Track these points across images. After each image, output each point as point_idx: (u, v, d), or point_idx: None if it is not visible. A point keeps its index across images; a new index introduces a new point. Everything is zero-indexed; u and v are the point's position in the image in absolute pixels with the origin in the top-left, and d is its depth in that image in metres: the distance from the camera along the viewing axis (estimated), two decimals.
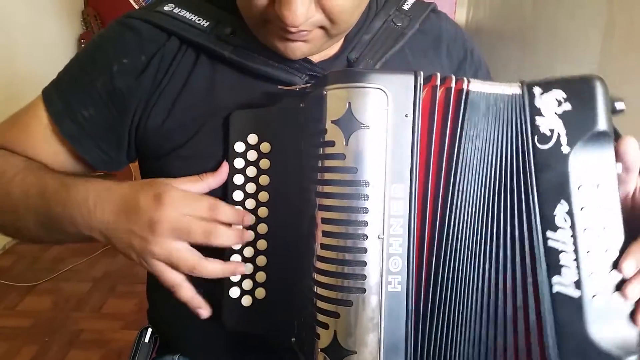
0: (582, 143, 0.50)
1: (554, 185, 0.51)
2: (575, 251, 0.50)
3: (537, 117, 0.51)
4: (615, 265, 0.50)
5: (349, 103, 0.50)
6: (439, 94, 0.52)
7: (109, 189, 0.58)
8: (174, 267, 0.56)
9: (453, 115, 0.52)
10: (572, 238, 0.50)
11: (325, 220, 0.51)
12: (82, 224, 0.58)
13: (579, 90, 0.51)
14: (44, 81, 0.69)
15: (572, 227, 0.50)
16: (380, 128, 0.50)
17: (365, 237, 0.49)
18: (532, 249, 0.51)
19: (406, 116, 0.50)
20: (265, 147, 0.60)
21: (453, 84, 0.52)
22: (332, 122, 0.50)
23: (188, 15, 0.65)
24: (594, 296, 0.50)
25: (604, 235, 0.50)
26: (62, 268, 2.35)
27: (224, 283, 0.59)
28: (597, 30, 1.42)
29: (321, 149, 0.51)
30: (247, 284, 0.60)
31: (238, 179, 0.60)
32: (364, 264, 0.49)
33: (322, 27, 0.58)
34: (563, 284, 0.50)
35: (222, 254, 0.59)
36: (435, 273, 0.51)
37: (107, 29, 0.68)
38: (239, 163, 0.60)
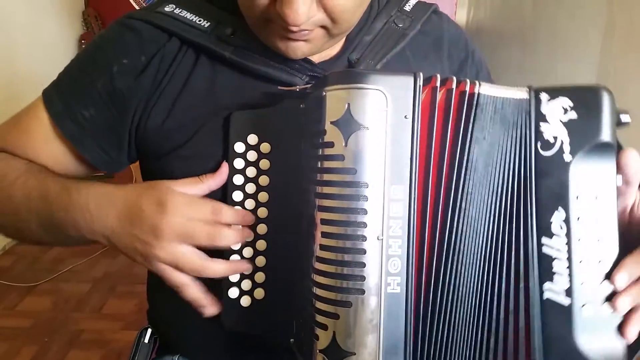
0: (584, 153, 0.50)
1: (553, 193, 0.51)
2: (569, 259, 0.50)
3: (542, 123, 0.51)
4: (608, 277, 0.50)
5: (348, 104, 0.50)
6: (439, 95, 0.52)
7: (110, 193, 0.58)
8: (180, 269, 0.56)
9: (456, 117, 0.52)
10: (567, 246, 0.50)
11: (324, 221, 0.51)
12: (85, 228, 0.59)
13: (585, 100, 0.51)
14: (44, 81, 0.69)
15: (568, 235, 0.50)
16: (380, 129, 0.50)
17: (364, 238, 0.49)
18: (526, 253, 0.51)
19: (405, 117, 0.50)
20: (265, 147, 0.60)
21: (454, 86, 0.52)
22: (331, 123, 0.50)
23: (189, 15, 0.65)
24: (583, 305, 0.50)
25: (598, 246, 0.51)
26: (62, 268, 2.35)
27: (223, 283, 0.59)
28: (597, 31, 1.42)
29: (320, 150, 0.51)
30: (246, 284, 0.60)
31: (238, 180, 0.60)
32: (363, 265, 0.49)
33: (323, 27, 0.58)
34: (554, 290, 0.51)
35: (221, 254, 0.59)
36: (436, 274, 0.51)
37: (108, 30, 0.68)
38: (238, 163, 0.60)
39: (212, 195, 0.60)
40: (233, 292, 0.59)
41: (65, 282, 2.27)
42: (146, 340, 0.74)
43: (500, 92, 0.53)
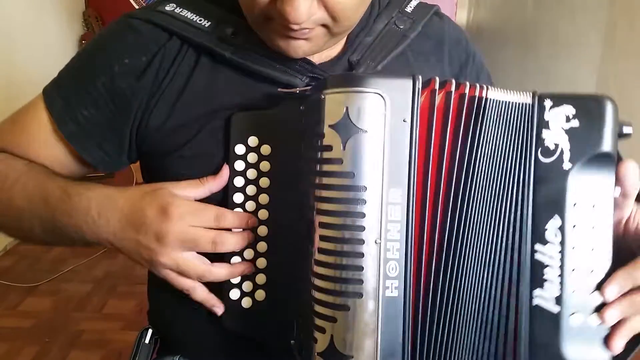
0: (584, 162, 0.50)
1: (550, 200, 0.51)
2: (561, 267, 0.51)
3: (543, 130, 0.51)
4: (599, 287, 0.51)
5: (346, 107, 0.50)
6: (438, 98, 0.52)
7: (111, 197, 0.59)
8: (183, 275, 0.57)
9: (456, 120, 0.52)
10: (560, 254, 0.51)
11: (322, 225, 0.51)
12: (87, 232, 0.59)
13: (588, 109, 0.51)
14: (44, 82, 0.69)
15: (562, 243, 0.51)
16: (378, 133, 0.50)
17: (362, 241, 0.49)
18: (519, 259, 0.51)
19: (404, 121, 0.50)
20: (265, 149, 0.60)
21: (453, 88, 0.52)
22: (330, 126, 0.50)
23: (189, 15, 0.64)
24: (572, 314, 0.50)
25: (592, 255, 0.51)
26: (63, 269, 2.35)
27: (224, 285, 0.60)
28: (597, 33, 1.42)
29: (319, 153, 0.51)
30: (247, 286, 0.60)
31: (238, 181, 0.60)
32: (361, 268, 0.49)
33: (324, 25, 0.57)
34: (544, 297, 0.51)
35: (222, 255, 0.59)
36: (435, 278, 0.51)
37: (108, 29, 0.68)
38: (239, 165, 0.60)
39: (213, 197, 0.60)
40: (234, 294, 0.60)
41: (66, 283, 2.27)
42: (147, 341, 0.74)
43: (503, 96, 0.52)
